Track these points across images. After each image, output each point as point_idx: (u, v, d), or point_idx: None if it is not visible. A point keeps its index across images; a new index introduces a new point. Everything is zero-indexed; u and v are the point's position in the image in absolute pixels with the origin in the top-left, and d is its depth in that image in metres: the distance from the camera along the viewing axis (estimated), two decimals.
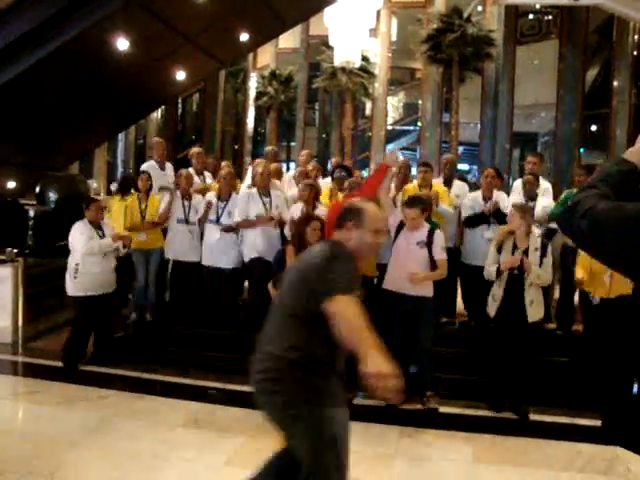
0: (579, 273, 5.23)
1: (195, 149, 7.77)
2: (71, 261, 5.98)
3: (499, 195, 6.44)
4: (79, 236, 5.89)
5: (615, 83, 14.15)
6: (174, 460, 4.27)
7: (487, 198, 6.33)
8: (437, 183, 6.61)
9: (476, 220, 6.27)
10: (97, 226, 6.05)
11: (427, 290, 5.24)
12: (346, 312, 2.40)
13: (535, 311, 5.02)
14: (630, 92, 13.86)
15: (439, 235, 5.27)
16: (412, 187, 6.40)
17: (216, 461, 4.26)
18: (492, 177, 6.43)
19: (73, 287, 5.97)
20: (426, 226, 5.29)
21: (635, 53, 14.11)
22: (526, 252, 5.03)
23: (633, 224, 1.48)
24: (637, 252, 1.49)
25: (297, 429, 2.66)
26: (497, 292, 5.10)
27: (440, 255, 5.20)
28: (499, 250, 5.15)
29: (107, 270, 6.07)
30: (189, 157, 7.53)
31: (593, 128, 15.84)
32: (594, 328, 5.34)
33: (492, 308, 5.13)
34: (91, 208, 6.04)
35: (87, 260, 5.90)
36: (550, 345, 5.88)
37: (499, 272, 5.08)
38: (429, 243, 5.18)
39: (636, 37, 14.16)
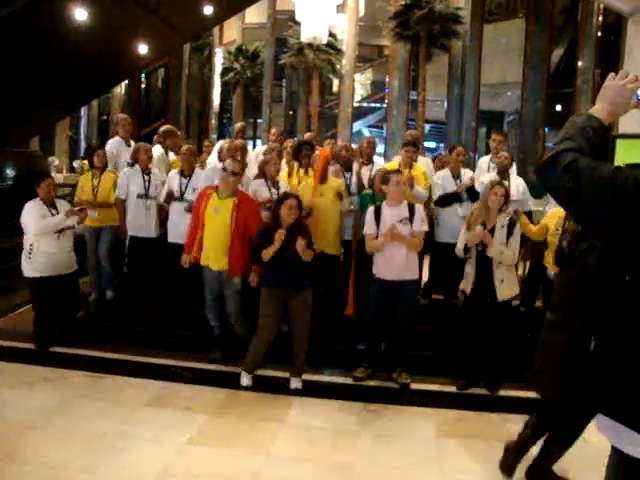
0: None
1: (167, 127, 7.61)
2: (25, 241, 5.75)
3: (466, 173, 6.47)
4: (31, 215, 5.67)
5: (580, 63, 14.27)
6: (137, 440, 4.21)
7: (456, 176, 6.36)
8: (418, 164, 6.56)
9: (449, 199, 6.28)
10: (50, 204, 5.79)
11: (413, 273, 5.24)
12: None
13: (505, 290, 5.04)
14: (594, 72, 14.00)
15: (419, 208, 5.24)
16: (394, 165, 6.34)
17: (179, 440, 4.23)
18: (462, 155, 6.50)
19: (28, 268, 5.75)
20: (405, 202, 5.24)
21: (599, 34, 14.23)
22: (493, 230, 5.03)
23: (606, 187, 1.61)
24: (608, 214, 1.62)
25: None
26: (469, 270, 5.10)
27: (420, 227, 5.14)
28: (468, 228, 5.14)
29: (64, 250, 5.84)
30: (161, 134, 7.34)
31: (558, 108, 15.99)
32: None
33: (467, 286, 5.12)
34: (42, 185, 5.74)
35: (42, 240, 5.68)
36: (515, 322, 5.94)
37: (467, 249, 5.09)
38: (411, 217, 5.14)
39: (601, 18, 14.26)
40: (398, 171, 5.40)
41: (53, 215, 5.73)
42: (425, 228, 5.22)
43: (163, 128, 7.56)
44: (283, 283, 5.02)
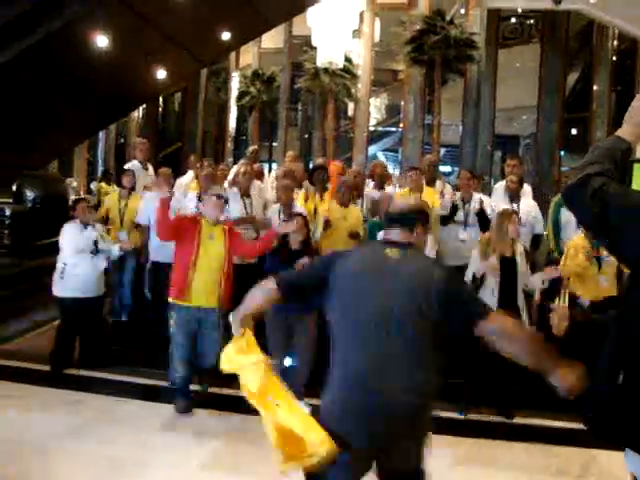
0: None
1: (193, 157, 7.76)
2: (58, 261, 5.86)
3: (477, 196, 6.44)
4: (69, 237, 5.77)
5: (595, 87, 14.27)
6: (149, 465, 4.19)
7: (466, 200, 6.33)
8: (429, 188, 6.54)
9: (448, 216, 6.22)
10: (87, 225, 5.92)
11: None
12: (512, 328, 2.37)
13: (525, 315, 5.04)
14: (609, 96, 14.00)
15: (429, 239, 5.19)
16: (404, 192, 6.35)
17: (192, 465, 4.20)
18: (468, 179, 6.45)
19: (59, 288, 5.83)
20: None
21: (614, 58, 14.26)
22: (510, 258, 5.00)
23: (635, 215, 1.59)
24: (636, 241, 1.60)
25: None
26: (491, 300, 5.02)
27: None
28: (485, 257, 5.08)
29: (96, 272, 5.92)
30: (190, 164, 7.46)
31: (574, 131, 15.96)
32: (581, 331, 5.35)
33: None
34: (77, 208, 5.92)
35: (76, 260, 5.76)
36: None
37: (475, 279, 5.06)
38: None
39: (615, 43, 14.31)
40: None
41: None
42: (432, 254, 5.20)
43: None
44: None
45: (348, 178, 6.45)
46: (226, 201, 5.29)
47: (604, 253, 5.13)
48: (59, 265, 5.83)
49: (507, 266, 4.99)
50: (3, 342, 6.74)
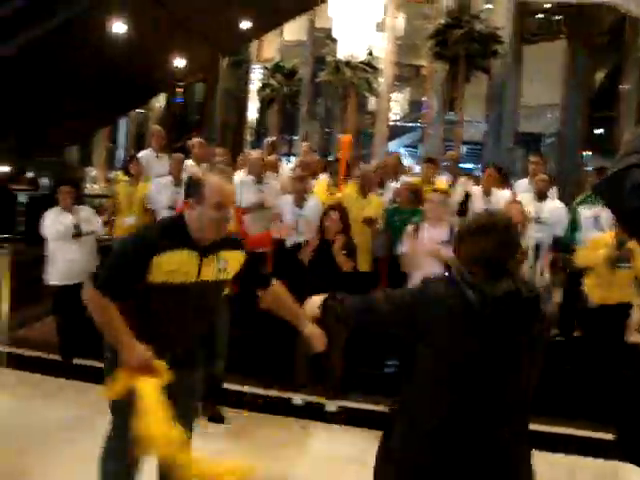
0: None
1: (196, 139, 7.58)
2: (45, 249, 5.74)
3: (497, 192, 6.25)
4: (45, 221, 5.63)
5: (623, 85, 13.93)
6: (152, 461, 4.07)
7: (488, 194, 6.15)
8: (440, 180, 6.41)
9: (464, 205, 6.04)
10: (70, 212, 5.70)
11: None
12: (90, 308, 2.50)
13: None
14: (639, 95, 13.65)
15: None
16: (416, 181, 6.21)
17: None
18: (491, 175, 6.31)
19: (49, 276, 5.73)
20: (447, 221, 5.01)
21: None
22: None
23: None
24: None
25: None
26: None
27: None
28: None
29: (84, 257, 5.76)
30: (189, 147, 7.33)
31: (599, 131, 15.64)
32: (591, 332, 5.18)
33: None
34: (59, 192, 5.70)
35: (60, 246, 5.63)
36: (550, 352, 5.68)
37: None
38: (451, 241, 4.90)
39: None
40: (443, 191, 5.21)
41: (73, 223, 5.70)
42: None
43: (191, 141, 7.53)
44: None
45: (367, 170, 6.29)
46: None
47: (625, 255, 4.93)
48: (46, 253, 5.71)
49: None
50: (13, 330, 6.68)
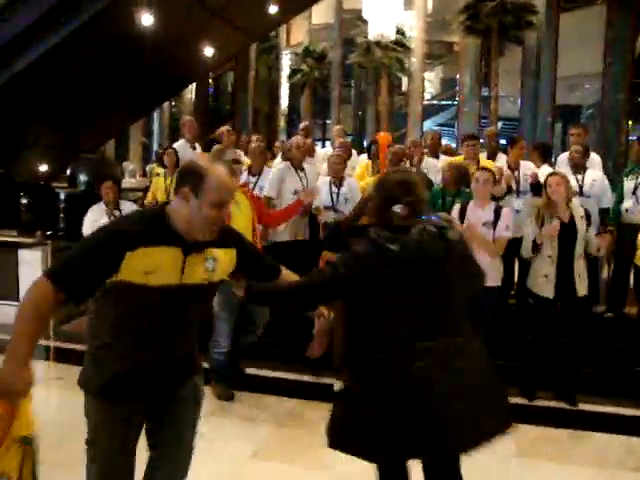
0: None
1: (224, 127, 7.56)
2: None
3: (525, 165, 6.05)
4: (87, 217, 5.65)
5: None
6: (199, 455, 4.08)
7: (515, 168, 5.97)
8: (483, 158, 6.26)
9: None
10: (114, 207, 5.71)
11: (495, 279, 4.74)
12: (26, 295, 2.01)
13: (582, 285, 4.68)
14: None
15: (507, 213, 4.80)
16: (460, 159, 6.06)
17: (243, 454, 4.07)
18: (523, 148, 6.18)
19: None
20: (492, 203, 4.87)
21: None
22: (571, 223, 4.65)
23: None
24: None
25: None
26: (549, 269, 4.69)
27: (501, 233, 4.70)
28: (541, 224, 4.74)
29: None
30: (217, 135, 7.31)
31: None
32: None
33: (548, 288, 4.71)
34: (101, 188, 5.68)
35: None
36: (599, 329, 5.51)
37: (536, 247, 4.71)
38: (495, 221, 4.74)
39: None
40: (488, 170, 5.06)
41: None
42: (508, 235, 4.82)
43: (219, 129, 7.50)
44: None
45: (396, 148, 6.21)
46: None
47: None
48: None
49: (565, 232, 4.62)
50: (58, 325, 6.79)
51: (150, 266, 2.04)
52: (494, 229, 4.72)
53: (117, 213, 5.73)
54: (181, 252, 2.10)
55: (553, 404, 4.78)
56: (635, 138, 8.19)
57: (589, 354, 5.04)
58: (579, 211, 4.74)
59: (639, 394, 4.80)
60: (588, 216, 4.75)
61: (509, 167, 6.00)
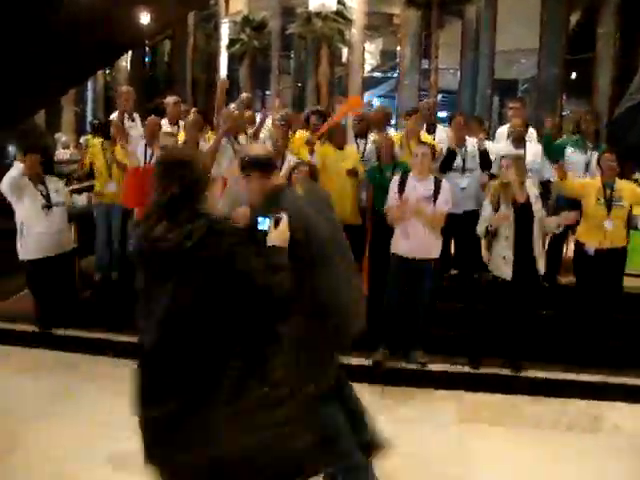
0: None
1: (170, 98, 7.30)
2: (17, 222, 5.49)
3: (470, 140, 6.05)
4: (7, 175, 5.39)
5: (599, 29, 13.76)
6: None
7: (460, 145, 5.83)
8: (427, 136, 6.19)
9: (448, 160, 5.75)
10: (39, 181, 5.51)
11: (434, 251, 4.87)
12: None
13: (541, 262, 4.81)
14: (615, 38, 13.49)
15: (446, 187, 4.85)
16: (398, 137, 6.01)
17: None
18: (461, 123, 5.95)
19: (21, 251, 5.48)
20: (431, 177, 4.88)
21: None
22: (527, 205, 4.73)
23: None
24: None
25: None
26: (505, 252, 4.77)
27: (442, 207, 4.76)
28: (497, 206, 4.80)
29: (54, 228, 5.53)
30: (164, 106, 7.06)
31: (575, 75, 15.52)
32: (586, 280, 5.17)
33: (507, 270, 4.78)
34: (25, 160, 5.44)
35: (30, 218, 5.40)
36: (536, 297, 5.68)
37: (488, 232, 4.81)
38: (436, 195, 4.77)
39: None
40: (427, 143, 5.08)
41: (41, 192, 5.48)
42: (448, 208, 4.88)
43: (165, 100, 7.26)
44: None
45: (337, 123, 6.10)
46: None
47: (616, 196, 4.92)
48: (17, 227, 5.47)
49: (522, 213, 4.71)
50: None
51: None
52: (434, 203, 4.77)
53: (42, 188, 5.51)
54: None
55: (496, 371, 4.93)
56: (569, 113, 8.39)
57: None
58: (534, 191, 4.83)
59: (569, 359, 5.00)
60: (541, 195, 4.87)
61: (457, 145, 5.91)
